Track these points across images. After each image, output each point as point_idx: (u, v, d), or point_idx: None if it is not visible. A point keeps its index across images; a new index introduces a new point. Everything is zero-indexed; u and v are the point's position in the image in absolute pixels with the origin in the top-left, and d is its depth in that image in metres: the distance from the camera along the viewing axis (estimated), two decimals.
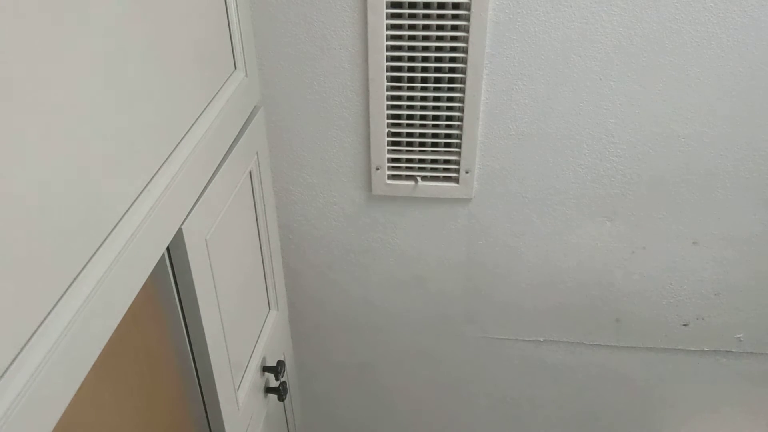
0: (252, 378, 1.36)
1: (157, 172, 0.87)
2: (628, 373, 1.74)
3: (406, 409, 1.91)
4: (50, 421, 0.65)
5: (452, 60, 1.28)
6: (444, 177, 1.43)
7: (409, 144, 1.39)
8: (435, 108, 1.33)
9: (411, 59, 1.28)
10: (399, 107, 1.34)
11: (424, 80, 1.31)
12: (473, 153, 1.37)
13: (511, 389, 1.81)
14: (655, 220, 1.45)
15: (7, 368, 0.59)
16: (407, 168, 1.42)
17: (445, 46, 1.26)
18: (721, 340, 1.64)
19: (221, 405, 1.18)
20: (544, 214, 1.47)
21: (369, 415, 1.94)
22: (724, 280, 1.53)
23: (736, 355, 1.67)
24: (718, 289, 1.55)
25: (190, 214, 0.98)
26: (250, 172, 1.30)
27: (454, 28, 1.24)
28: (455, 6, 1.22)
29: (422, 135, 1.37)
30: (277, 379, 1.48)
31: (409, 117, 1.35)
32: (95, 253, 0.73)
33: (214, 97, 1.08)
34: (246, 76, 1.22)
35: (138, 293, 0.82)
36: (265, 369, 1.45)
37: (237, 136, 1.20)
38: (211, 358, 1.10)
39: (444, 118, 1.34)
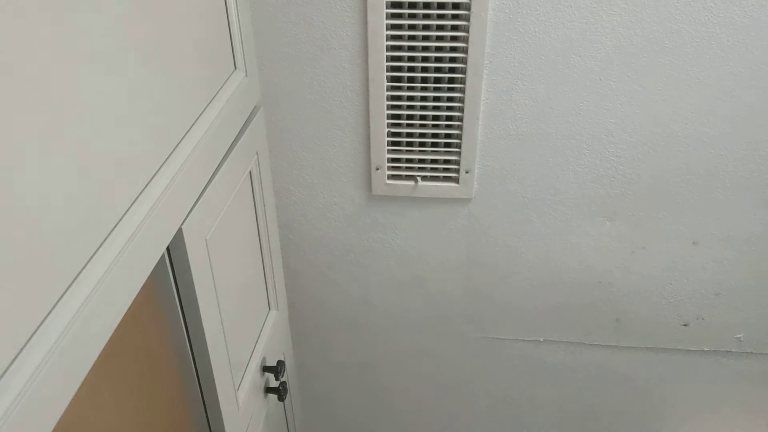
0: (252, 378, 1.36)
1: (157, 172, 0.87)
2: (628, 373, 1.74)
3: (406, 409, 1.91)
4: (50, 421, 0.65)
5: (452, 60, 1.28)
6: (444, 177, 1.43)
7: (409, 144, 1.39)
8: (435, 108, 1.33)
9: (411, 59, 1.28)
10: (399, 107, 1.34)
11: (424, 80, 1.31)
12: (473, 153, 1.37)
13: (511, 389, 1.81)
14: (655, 220, 1.45)
15: (7, 368, 0.59)
16: (407, 168, 1.42)
17: (445, 46, 1.26)
18: (721, 340, 1.64)
19: (221, 405, 1.18)
20: (544, 214, 1.47)
21: (369, 415, 1.94)
22: (724, 280, 1.53)
23: (736, 355, 1.67)
24: (718, 289, 1.55)
25: (190, 214, 0.98)
26: (250, 172, 1.30)
27: (454, 28, 1.24)
28: (455, 6, 1.22)
29: (422, 135, 1.37)
30: (277, 379, 1.48)
31: (409, 117, 1.35)
32: (95, 253, 0.73)
33: (214, 97, 1.08)
34: (246, 76, 1.22)
35: (138, 293, 0.82)
36: (265, 369, 1.45)
37: (237, 136, 1.20)
38: (211, 358, 1.10)
39: (444, 118, 1.34)
